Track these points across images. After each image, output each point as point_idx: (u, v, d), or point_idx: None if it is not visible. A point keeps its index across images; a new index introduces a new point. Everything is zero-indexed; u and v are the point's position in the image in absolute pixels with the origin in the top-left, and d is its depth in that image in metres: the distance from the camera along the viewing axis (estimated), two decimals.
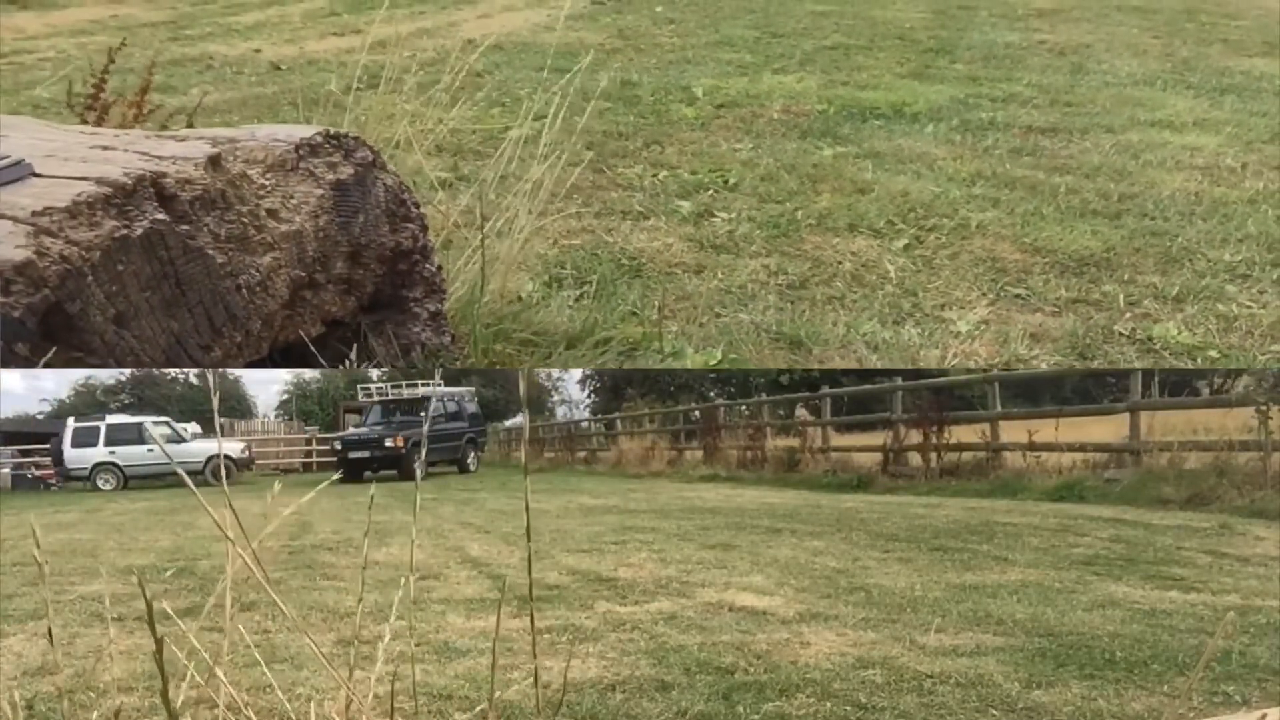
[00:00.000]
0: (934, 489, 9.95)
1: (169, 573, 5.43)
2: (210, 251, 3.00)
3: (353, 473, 17.09)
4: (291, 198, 3.34)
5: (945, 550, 5.57)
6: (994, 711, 2.71)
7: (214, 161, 3.13)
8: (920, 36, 10.62)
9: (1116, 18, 12.29)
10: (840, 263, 4.66)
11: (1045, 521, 6.79)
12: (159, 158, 3.14)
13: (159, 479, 20.16)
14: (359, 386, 24.70)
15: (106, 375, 35.02)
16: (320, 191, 3.34)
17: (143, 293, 2.82)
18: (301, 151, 3.36)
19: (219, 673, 1.42)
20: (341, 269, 3.29)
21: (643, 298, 4.25)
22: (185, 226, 2.99)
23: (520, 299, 3.94)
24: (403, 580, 1.66)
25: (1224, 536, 5.80)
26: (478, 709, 2.69)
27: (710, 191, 5.55)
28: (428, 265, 3.45)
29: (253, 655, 3.06)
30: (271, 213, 3.23)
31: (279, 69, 8.52)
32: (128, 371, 32.24)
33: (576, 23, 10.99)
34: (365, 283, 3.35)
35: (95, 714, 2.75)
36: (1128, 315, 4.28)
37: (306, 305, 3.22)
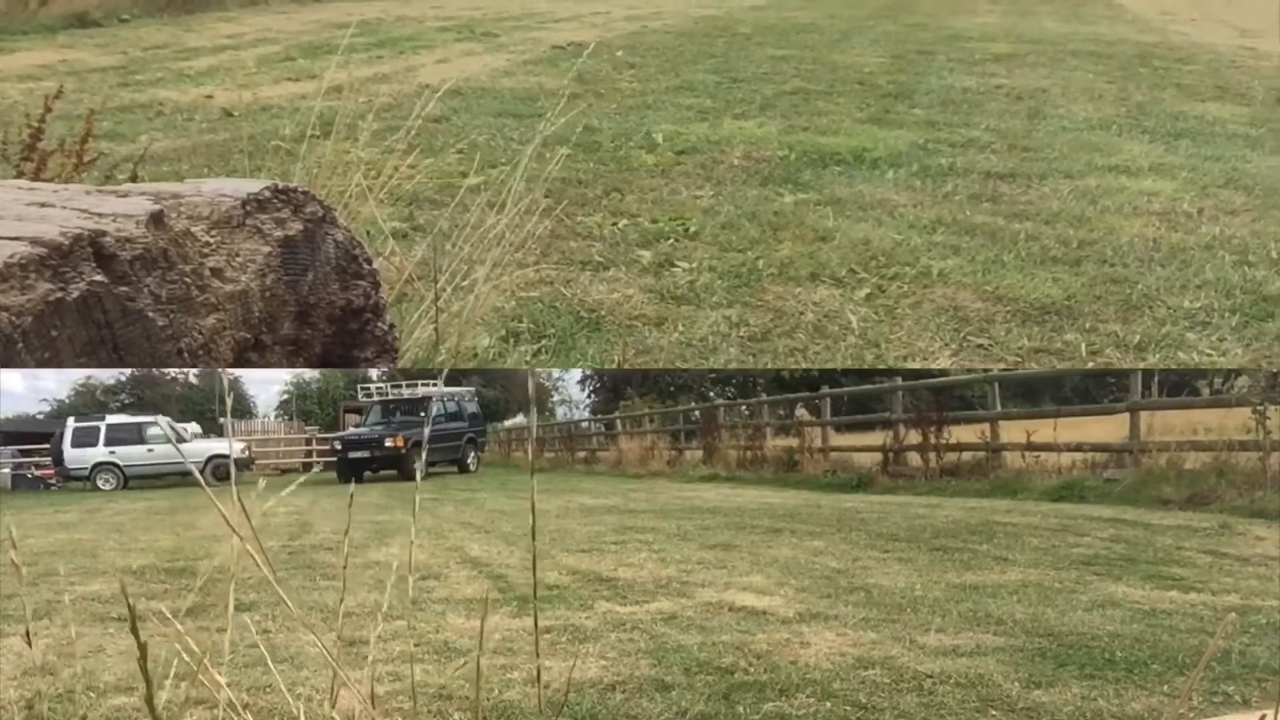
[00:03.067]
0: (934, 489, 9.99)
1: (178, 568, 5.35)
2: (151, 314, 2.88)
3: (352, 473, 17.05)
4: (237, 256, 3.23)
5: (945, 550, 5.58)
6: (994, 711, 2.72)
7: (156, 219, 3.01)
8: (879, 81, 10.71)
9: (1071, 62, 12.48)
10: (802, 313, 4.62)
11: (1045, 521, 6.82)
12: (99, 215, 3.03)
13: (159, 479, 20.19)
14: (359, 386, 24.81)
15: (106, 375, 35.26)
16: (267, 249, 3.23)
17: (78, 359, 2.71)
18: (249, 207, 3.25)
19: (214, 673, 1.38)
20: (289, 330, 3.18)
21: (602, 352, 4.18)
22: (124, 288, 2.87)
23: (476, 355, 3.85)
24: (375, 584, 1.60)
25: (1224, 536, 5.82)
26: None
27: (671, 240, 5.51)
28: (379, 324, 3.35)
29: (253, 655, 3.00)
30: (216, 272, 3.11)
31: (231, 115, 8.41)
32: (128, 371, 32.38)
33: (536, 68, 10.98)
34: (314, 343, 3.24)
35: (94, 714, 2.75)
36: (1090, 366, 4.26)
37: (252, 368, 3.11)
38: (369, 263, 3.48)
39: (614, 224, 5.75)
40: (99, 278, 2.80)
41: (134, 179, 4.23)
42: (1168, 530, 6.17)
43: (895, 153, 7.52)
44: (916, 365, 4.24)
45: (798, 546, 5.99)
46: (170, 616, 1.40)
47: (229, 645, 1.47)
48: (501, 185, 4.12)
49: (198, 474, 1.43)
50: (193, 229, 3.13)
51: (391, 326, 3.51)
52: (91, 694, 3.02)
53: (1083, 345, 4.38)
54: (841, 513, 8.06)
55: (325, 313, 3.27)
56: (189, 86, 9.83)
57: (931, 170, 7.08)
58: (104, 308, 2.79)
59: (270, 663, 2.52)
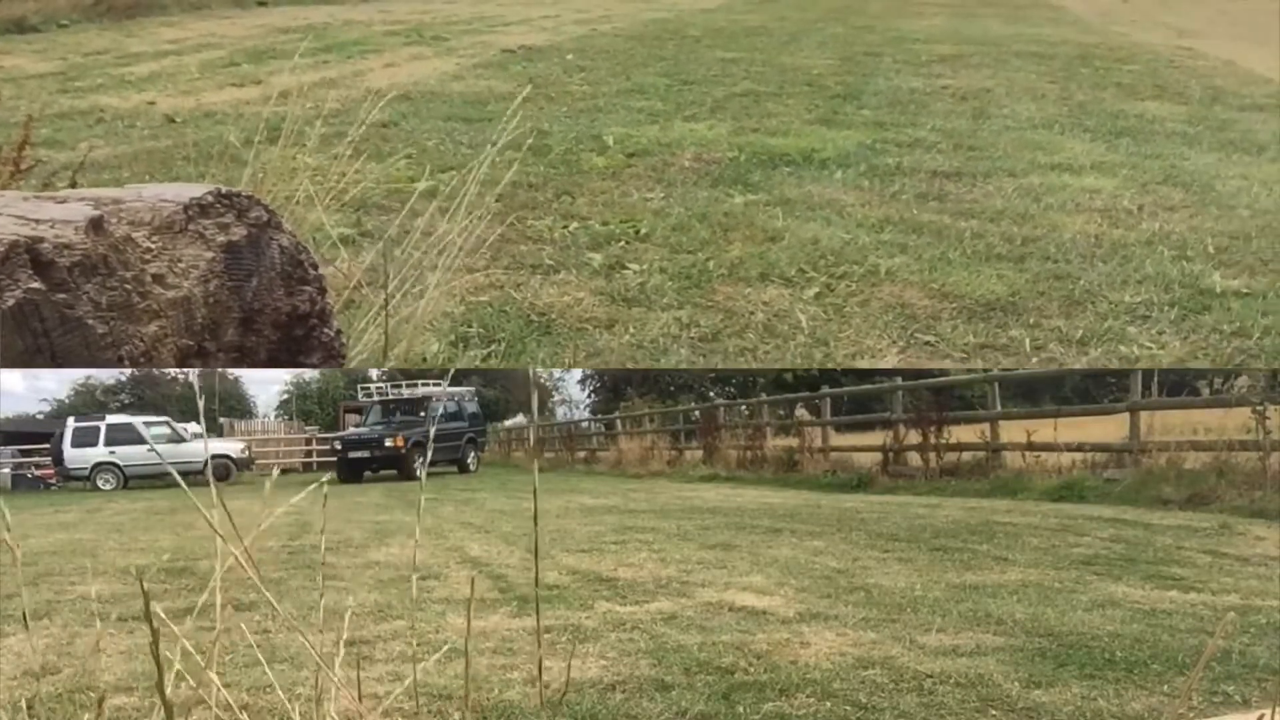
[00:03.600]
0: (934, 489, 10.11)
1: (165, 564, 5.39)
2: (90, 321, 2.84)
3: (352, 473, 17.19)
4: (179, 261, 3.19)
5: (945, 550, 5.65)
6: (994, 711, 2.76)
7: (96, 224, 2.97)
8: (828, 83, 10.80)
9: (1015, 63, 12.66)
10: (752, 313, 4.64)
11: (1045, 521, 6.92)
12: (36, 221, 2.98)
13: (159, 479, 20.44)
14: (359, 386, 25.04)
15: (106, 375, 35.54)
16: (211, 254, 3.19)
17: (13, 367, 2.66)
18: (191, 212, 3.21)
19: (210, 673, 1.39)
20: (233, 336, 3.14)
21: (553, 356, 4.17)
22: (63, 295, 2.82)
23: (425, 361, 3.83)
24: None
25: (1224, 536, 5.92)
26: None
27: (621, 242, 5.51)
28: (326, 329, 3.32)
29: (253, 655, 3.00)
30: (158, 278, 3.07)
31: (174, 121, 8.29)
32: (128, 371, 32.64)
33: (486, 71, 10.95)
34: (258, 350, 3.21)
35: (94, 714, 2.75)
36: (1034, 360, 4.32)
37: None
38: (315, 268, 3.45)
39: (564, 227, 5.74)
40: (36, 285, 2.75)
41: (73, 186, 4.16)
42: (1168, 530, 6.27)
43: (843, 153, 7.58)
44: (865, 364, 4.28)
45: (798, 546, 6.05)
46: (163, 616, 1.40)
47: (229, 645, 1.49)
48: (451, 190, 4.11)
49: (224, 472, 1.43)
50: (133, 235, 3.08)
51: (338, 333, 3.47)
52: (91, 694, 3.04)
53: (1027, 341, 4.44)
54: (841, 513, 8.15)
55: (270, 319, 3.23)
56: (130, 92, 9.67)
57: (879, 170, 7.15)
58: (41, 315, 2.74)
59: (264, 664, 2.54)
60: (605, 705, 2.85)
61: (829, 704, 2.83)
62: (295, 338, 3.29)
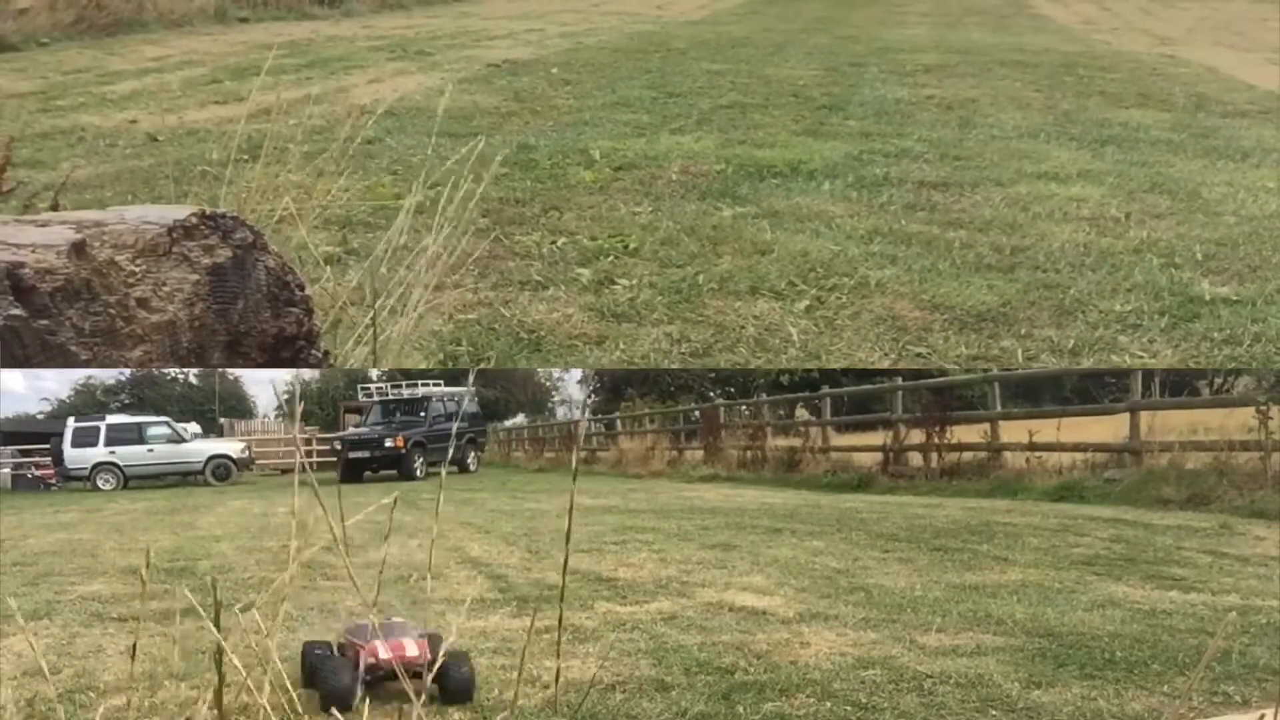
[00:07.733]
0: (934, 489, 10.19)
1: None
2: (73, 347, 2.79)
3: (353, 473, 17.41)
4: (164, 285, 3.15)
5: (945, 550, 5.68)
6: (994, 711, 2.79)
7: (78, 248, 2.93)
8: (814, 94, 10.80)
9: (1000, 72, 12.70)
10: (743, 327, 4.62)
11: (1045, 521, 6.96)
12: (17, 246, 2.93)
13: (159, 479, 20.55)
14: (359, 386, 25.23)
15: (106, 375, 35.85)
16: (195, 277, 3.15)
17: None
18: (175, 234, 3.18)
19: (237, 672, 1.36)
20: (219, 360, 3.10)
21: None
22: (45, 321, 2.78)
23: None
24: None
25: (1224, 536, 5.95)
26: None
27: (610, 257, 5.48)
28: (313, 351, 3.28)
29: (252, 655, 2.99)
30: (142, 302, 3.03)
31: (156, 140, 8.23)
32: (128, 371, 32.97)
33: (471, 86, 10.92)
34: None
35: (95, 714, 2.78)
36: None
37: None
38: (301, 289, 3.41)
39: (552, 242, 5.71)
40: (17, 311, 2.71)
41: (55, 208, 4.11)
42: (1168, 530, 6.30)
43: (831, 164, 7.57)
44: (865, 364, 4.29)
45: (798, 546, 6.09)
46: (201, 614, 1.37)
47: (232, 645, 1.49)
48: (437, 206, 4.08)
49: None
50: (117, 258, 3.04)
51: (326, 354, 3.43)
52: (91, 694, 3.04)
53: (1019, 351, 4.43)
54: (842, 513, 8.20)
55: (257, 341, 3.19)
56: (112, 111, 9.61)
57: (867, 181, 7.14)
58: (22, 342, 2.69)
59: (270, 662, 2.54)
60: (605, 705, 2.87)
61: (829, 704, 2.85)
62: (282, 360, 3.25)
